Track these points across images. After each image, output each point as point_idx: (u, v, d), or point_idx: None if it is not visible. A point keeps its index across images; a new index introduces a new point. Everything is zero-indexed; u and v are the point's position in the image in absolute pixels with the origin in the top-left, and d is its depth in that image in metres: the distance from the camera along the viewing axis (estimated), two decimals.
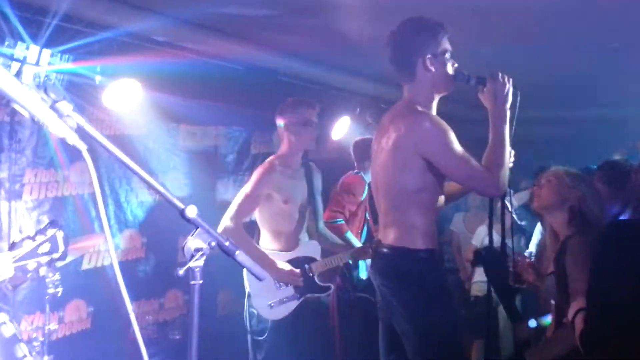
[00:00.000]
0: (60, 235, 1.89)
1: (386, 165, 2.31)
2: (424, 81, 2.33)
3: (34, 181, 3.33)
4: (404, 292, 2.28)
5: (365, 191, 3.99)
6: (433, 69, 2.31)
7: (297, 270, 3.07)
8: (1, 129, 3.17)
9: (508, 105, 2.24)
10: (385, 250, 2.33)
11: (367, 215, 4.13)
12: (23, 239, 1.85)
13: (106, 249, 3.58)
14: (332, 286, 3.29)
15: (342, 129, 4.82)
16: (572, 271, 2.09)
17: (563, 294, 2.15)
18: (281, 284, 3.06)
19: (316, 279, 3.19)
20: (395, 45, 2.35)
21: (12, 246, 1.85)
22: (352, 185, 3.99)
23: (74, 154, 3.47)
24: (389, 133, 2.31)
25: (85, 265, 3.56)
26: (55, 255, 1.88)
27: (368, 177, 3.97)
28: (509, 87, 2.25)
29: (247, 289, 3.08)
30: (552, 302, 2.50)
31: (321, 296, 3.24)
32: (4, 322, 2.28)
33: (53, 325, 2.91)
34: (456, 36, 3.64)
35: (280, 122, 3.14)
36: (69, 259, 2.84)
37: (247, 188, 3.05)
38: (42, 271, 1.88)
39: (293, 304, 3.10)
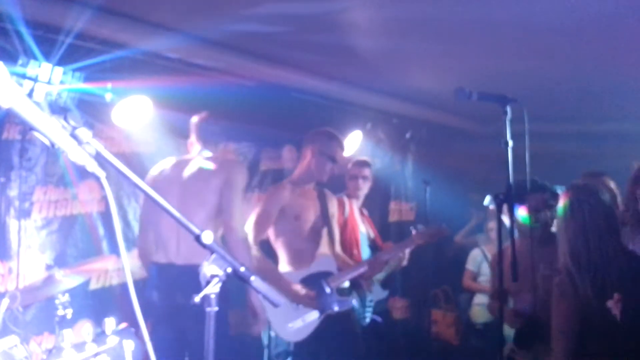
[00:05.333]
0: (129, 346, 1.35)
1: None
2: None
3: (43, 199, 3.30)
4: None
5: (347, 210, 3.97)
6: None
7: (312, 293, 3.03)
8: (12, 147, 3.15)
9: None
10: None
11: (364, 231, 4.10)
12: (67, 347, 1.27)
13: (114, 268, 3.54)
14: (353, 301, 3.24)
15: (354, 144, 4.78)
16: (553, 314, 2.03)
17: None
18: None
19: (335, 293, 3.15)
20: None
21: (49, 355, 1.30)
22: None
23: (83, 172, 3.44)
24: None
25: (93, 285, 3.51)
26: None
27: (355, 200, 4.05)
28: None
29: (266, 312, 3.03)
30: None
31: (342, 311, 3.16)
32: (15, 345, 2.23)
33: None
34: (469, 51, 3.66)
35: (310, 146, 3.22)
36: (77, 280, 2.80)
37: (260, 207, 3.12)
38: None
39: (314, 323, 3.06)
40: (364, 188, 4.08)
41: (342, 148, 3.24)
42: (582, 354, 1.95)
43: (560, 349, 1.98)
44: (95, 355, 1.30)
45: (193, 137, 3.12)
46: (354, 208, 4.08)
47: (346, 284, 3.36)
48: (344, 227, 3.94)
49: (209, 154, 3.01)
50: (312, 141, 3.22)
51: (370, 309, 3.86)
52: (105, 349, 1.32)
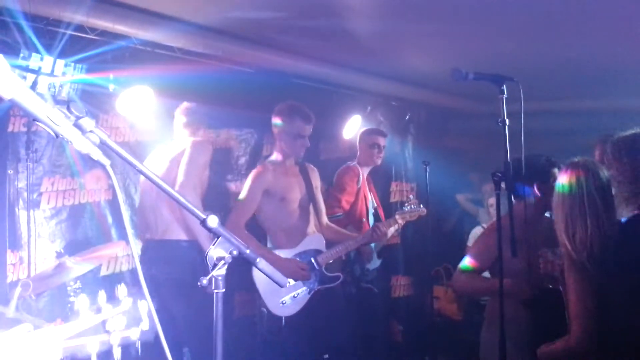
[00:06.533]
0: (143, 305, 1.41)
1: None
2: None
3: (51, 190, 3.37)
4: None
5: (360, 179, 4.09)
6: None
7: (304, 264, 3.14)
8: (18, 139, 3.20)
9: None
10: None
11: (371, 200, 4.21)
12: (85, 310, 1.35)
13: (124, 255, 3.62)
14: (341, 275, 3.34)
15: (354, 127, 4.82)
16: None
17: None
18: (290, 280, 3.12)
19: (324, 270, 3.25)
20: None
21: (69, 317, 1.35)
22: (343, 179, 4.10)
23: (89, 162, 3.50)
24: None
25: (104, 272, 3.60)
26: (134, 333, 1.37)
27: (365, 168, 4.18)
28: None
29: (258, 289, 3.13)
30: None
31: (331, 287, 3.29)
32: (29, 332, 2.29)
33: None
34: (465, 32, 3.67)
35: (274, 126, 3.28)
36: (87, 267, 2.87)
37: (244, 190, 3.18)
38: (116, 353, 1.37)
39: (304, 299, 3.17)
40: (380, 158, 4.21)
41: (306, 121, 3.20)
42: (603, 337, 1.93)
43: (579, 332, 1.96)
44: (112, 316, 1.36)
45: (180, 125, 3.27)
46: (364, 176, 4.18)
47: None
48: (356, 196, 4.04)
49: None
50: (280, 121, 3.23)
51: (367, 277, 4.00)
52: (121, 310, 1.38)
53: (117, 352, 1.35)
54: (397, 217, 3.67)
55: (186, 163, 3.13)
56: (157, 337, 1.23)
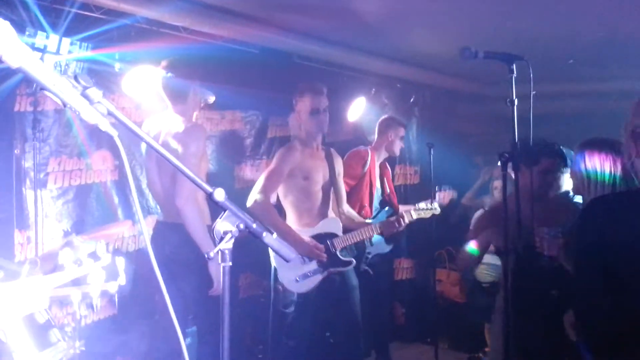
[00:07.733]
0: (120, 262, 1.55)
1: None
2: None
3: (58, 170, 3.39)
4: None
5: (368, 163, 4.10)
6: None
7: (321, 245, 3.18)
8: (24, 119, 3.21)
9: None
10: None
11: (378, 187, 4.22)
12: (68, 263, 1.46)
13: (130, 235, 3.65)
14: (354, 261, 3.38)
15: (358, 110, 4.81)
16: None
17: None
18: (306, 258, 3.17)
19: (338, 253, 3.28)
20: None
21: (52, 268, 1.46)
22: (348, 163, 4.07)
23: (96, 142, 3.51)
24: None
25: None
26: (112, 286, 1.51)
27: (380, 155, 4.25)
28: None
29: (273, 264, 3.20)
30: None
31: (344, 270, 3.33)
32: (37, 310, 2.32)
33: (83, 311, 2.98)
34: (472, 11, 3.63)
35: (296, 108, 3.30)
36: (94, 246, 2.89)
37: (271, 165, 3.24)
38: (97, 302, 1.53)
39: (317, 278, 3.23)
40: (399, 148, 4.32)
41: (316, 93, 3.21)
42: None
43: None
44: (92, 270, 1.49)
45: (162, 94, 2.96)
46: (375, 162, 4.18)
47: None
48: (359, 181, 4.05)
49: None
50: (295, 103, 3.28)
51: (366, 261, 4.03)
52: (100, 264, 1.50)
53: (97, 302, 1.50)
54: (412, 211, 3.73)
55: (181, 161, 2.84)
56: (132, 290, 1.33)
